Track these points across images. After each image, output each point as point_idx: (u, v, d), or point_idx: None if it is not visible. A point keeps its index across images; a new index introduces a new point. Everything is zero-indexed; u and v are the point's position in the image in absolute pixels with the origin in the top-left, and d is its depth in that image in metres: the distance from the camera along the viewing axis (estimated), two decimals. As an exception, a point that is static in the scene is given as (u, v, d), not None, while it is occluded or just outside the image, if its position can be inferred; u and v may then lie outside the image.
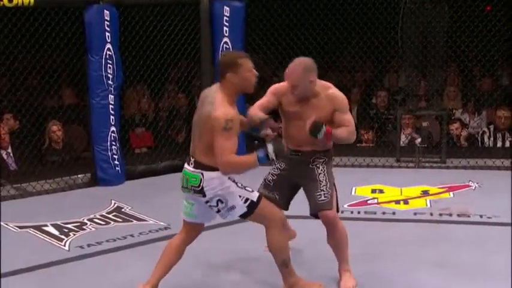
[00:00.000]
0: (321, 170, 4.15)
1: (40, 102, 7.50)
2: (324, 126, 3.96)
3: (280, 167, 4.26)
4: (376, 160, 7.97)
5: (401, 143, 8.29)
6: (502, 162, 7.67)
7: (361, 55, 8.95)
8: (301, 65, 4.10)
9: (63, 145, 7.69)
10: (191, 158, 3.84)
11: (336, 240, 4.16)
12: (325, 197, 4.09)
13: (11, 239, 5.42)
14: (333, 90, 4.15)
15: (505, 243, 4.97)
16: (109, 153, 7.15)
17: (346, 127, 4.09)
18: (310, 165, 4.16)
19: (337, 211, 4.24)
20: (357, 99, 9.31)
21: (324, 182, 4.12)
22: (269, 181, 4.30)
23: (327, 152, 4.21)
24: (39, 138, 7.65)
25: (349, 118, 4.13)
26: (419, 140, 8.11)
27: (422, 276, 4.40)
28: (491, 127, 8.48)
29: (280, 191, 4.26)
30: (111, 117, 7.12)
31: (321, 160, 4.17)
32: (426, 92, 8.88)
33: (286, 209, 4.34)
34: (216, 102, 3.67)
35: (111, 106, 7.09)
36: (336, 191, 4.25)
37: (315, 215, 4.16)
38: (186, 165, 3.88)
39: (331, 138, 4.04)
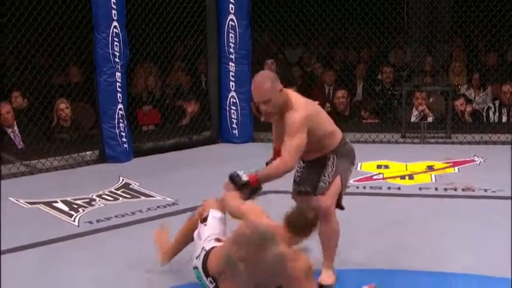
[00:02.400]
0: (332, 160, 3.91)
1: (47, 80, 7.51)
2: (243, 175, 3.79)
3: (300, 164, 4.09)
4: (382, 136, 7.99)
5: (413, 119, 8.31)
6: (507, 137, 7.67)
7: (367, 31, 8.92)
8: (265, 76, 3.76)
9: (71, 123, 7.73)
10: None
11: (325, 234, 3.88)
12: (323, 183, 3.88)
13: (22, 215, 5.49)
14: (290, 114, 3.73)
15: (509, 216, 5.01)
16: (116, 130, 7.19)
17: (277, 160, 3.80)
18: (323, 159, 3.93)
19: (339, 206, 3.97)
20: (362, 75, 9.30)
21: (330, 169, 3.90)
22: (296, 178, 4.12)
23: (335, 149, 3.95)
24: (47, 116, 7.69)
25: (289, 144, 3.71)
26: (432, 117, 8.15)
27: (426, 249, 4.43)
28: (497, 102, 8.48)
29: (309, 183, 4.01)
30: (118, 95, 7.14)
31: (331, 155, 3.93)
32: (432, 67, 8.88)
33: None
34: None
35: (118, 84, 7.10)
36: (343, 187, 3.95)
37: None
38: None
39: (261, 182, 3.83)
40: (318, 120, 3.84)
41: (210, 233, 3.63)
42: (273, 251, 3.22)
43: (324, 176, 3.88)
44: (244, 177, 3.77)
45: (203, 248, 3.56)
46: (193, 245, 3.77)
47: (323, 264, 3.97)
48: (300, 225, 3.38)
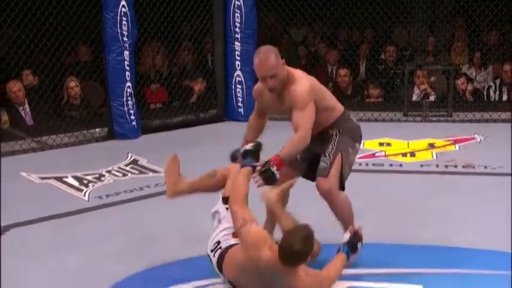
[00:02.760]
0: (334, 137, 3.77)
1: (57, 59, 7.53)
2: (272, 168, 3.50)
3: None
4: (384, 114, 8.00)
5: (415, 98, 8.31)
6: (508, 116, 7.69)
7: (371, 11, 8.89)
8: (269, 50, 3.60)
9: (81, 101, 7.75)
10: None
11: (335, 212, 3.76)
12: (324, 163, 3.72)
13: (34, 190, 5.54)
14: (294, 87, 3.62)
15: (509, 192, 5.03)
16: (125, 108, 7.22)
17: (296, 134, 3.60)
18: (325, 135, 3.79)
19: (341, 187, 3.76)
20: (365, 54, 9.28)
21: (330, 148, 3.74)
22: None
23: (335, 123, 3.81)
24: (58, 94, 7.71)
25: (303, 117, 3.58)
26: (433, 96, 8.15)
27: (428, 224, 4.45)
28: (497, 81, 8.46)
29: (304, 153, 3.77)
30: (127, 73, 7.17)
31: (333, 131, 3.80)
32: (434, 47, 8.86)
33: (303, 174, 3.91)
34: None
35: (126, 62, 7.13)
36: (343, 166, 3.74)
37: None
38: None
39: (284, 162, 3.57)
40: (320, 93, 3.75)
41: (228, 226, 3.50)
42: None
43: (325, 156, 3.73)
44: (273, 169, 3.49)
45: (219, 242, 3.45)
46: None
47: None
48: (291, 258, 3.13)
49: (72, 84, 7.64)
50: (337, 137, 3.78)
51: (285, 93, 3.64)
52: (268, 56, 3.58)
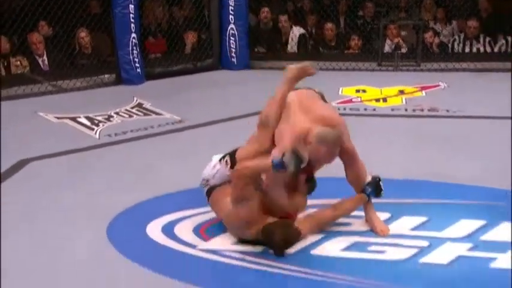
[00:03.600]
0: None
1: (70, 11, 7.42)
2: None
3: None
4: (361, 64, 8.00)
5: (388, 49, 8.30)
6: (468, 65, 7.73)
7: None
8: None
9: (92, 50, 7.69)
10: None
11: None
12: None
13: (51, 128, 5.56)
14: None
15: (467, 131, 5.13)
16: (130, 56, 7.19)
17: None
18: None
19: None
20: (344, 10, 9.18)
21: None
22: None
23: None
24: (70, 43, 7.64)
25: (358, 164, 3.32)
26: (404, 48, 8.15)
27: (395, 157, 4.52)
28: (462, 35, 8.44)
29: None
30: (132, 25, 7.12)
31: None
32: (406, 3, 8.80)
33: None
34: None
35: (131, 15, 7.07)
36: None
37: None
38: None
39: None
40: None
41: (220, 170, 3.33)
42: None
43: None
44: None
45: (208, 180, 3.35)
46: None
47: (369, 215, 3.39)
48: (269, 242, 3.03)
49: (83, 34, 7.56)
50: None
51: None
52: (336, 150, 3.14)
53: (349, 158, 3.28)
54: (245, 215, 3.04)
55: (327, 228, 3.30)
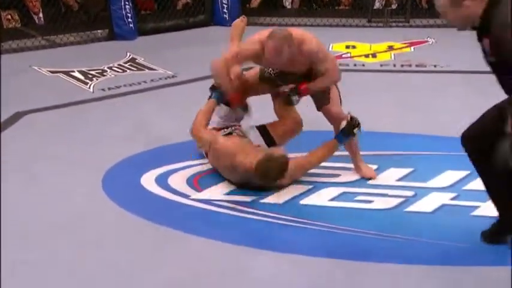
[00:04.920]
0: None
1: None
2: (294, 95, 3.41)
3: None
4: (351, 20, 7.95)
5: (378, 6, 8.24)
6: (457, 22, 7.67)
7: None
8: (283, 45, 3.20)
9: (79, 7, 7.56)
10: None
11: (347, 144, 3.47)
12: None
13: (44, 81, 5.53)
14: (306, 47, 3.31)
15: (453, 86, 5.13)
16: (123, 11, 7.11)
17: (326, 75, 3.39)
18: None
19: None
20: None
21: None
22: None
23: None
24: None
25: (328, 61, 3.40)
26: (394, 5, 8.09)
27: (384, 115, 4.50)
28: (451, -9, 8.36)
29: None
30: (124, -20, 7.02)
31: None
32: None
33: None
34: None
35: (123, -30, 6.97)
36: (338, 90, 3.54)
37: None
38: None
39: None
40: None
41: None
42: None
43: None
44: (294, 96, 3.38)
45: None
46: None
47: (357, 164, 3.47)
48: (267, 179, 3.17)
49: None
50: None
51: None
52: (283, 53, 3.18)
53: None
54: (224, 144, 3.30)
55: (300, 177, 3.35)
